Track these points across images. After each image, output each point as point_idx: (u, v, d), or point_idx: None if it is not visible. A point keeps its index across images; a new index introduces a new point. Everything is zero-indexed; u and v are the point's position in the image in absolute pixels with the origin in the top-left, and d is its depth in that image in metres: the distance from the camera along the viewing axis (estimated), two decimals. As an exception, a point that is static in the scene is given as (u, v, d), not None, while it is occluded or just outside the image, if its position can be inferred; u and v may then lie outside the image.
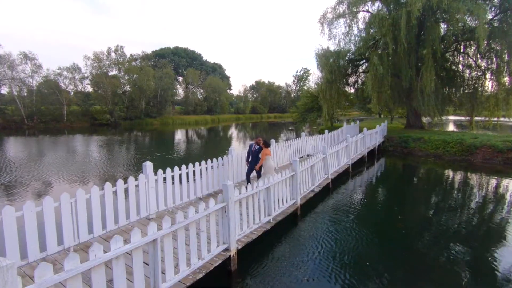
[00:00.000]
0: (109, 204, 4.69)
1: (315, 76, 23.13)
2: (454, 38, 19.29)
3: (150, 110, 45.20)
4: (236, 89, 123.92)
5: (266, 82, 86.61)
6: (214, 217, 4.27)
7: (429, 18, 18.29)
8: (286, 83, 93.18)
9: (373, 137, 16.10)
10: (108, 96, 40.58)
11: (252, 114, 73.69)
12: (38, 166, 13.57)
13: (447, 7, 15.91)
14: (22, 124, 35.69)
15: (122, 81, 43.07)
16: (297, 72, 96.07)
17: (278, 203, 6.20)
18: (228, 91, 73.93)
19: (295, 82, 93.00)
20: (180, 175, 6.17)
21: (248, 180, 7.65)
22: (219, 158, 7.42)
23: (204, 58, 75.27)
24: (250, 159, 7.63)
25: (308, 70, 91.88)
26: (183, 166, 6.26)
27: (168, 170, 5.84)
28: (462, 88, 20.67)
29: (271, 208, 5.82)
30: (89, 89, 42.46)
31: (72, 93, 40.83)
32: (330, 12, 22.45)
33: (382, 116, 48.79)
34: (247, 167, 7.83)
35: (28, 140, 25.89)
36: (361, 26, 21.41)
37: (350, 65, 22.72)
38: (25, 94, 36.15)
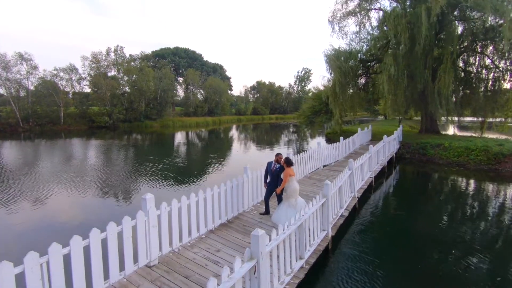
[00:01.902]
0: (96, 258, 3.50)
1: (325, 79, 21.86)
2: (471, 37, 18.17)
3: (149, 112, 43.95)
4: (237, 90, 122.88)
5: (267, 82, 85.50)
6: (240, 284, 3.08)
7: (447, 16, 17.15)
8: (289, 84, 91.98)
9: (392, 144, 14.93)
10: (106, 97, 39.36)
11: (253, 116, 72.50)
12: (30, 179, 12.37)
13: (473, 3, 14.75)
14: (17, 127, 34.45)
15: (121, 82, 41.80)
16: (298, 72, 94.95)
17: (310, 239, 5.03)
18: (229, 91, 72.71)
19: (296, 83, 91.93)
20: (189, 205, 4.99)
21: (267, 205, 6.48)
22: (233, 179, 6.24)
23: (205, 59, 74.11)
24: (269, 180, 6.45)
25: (310, 71, 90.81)
26: (192, 195, 5.08)
27: (174, 202, 4.66)
28: (479, 90, 19.53)
29: (303, 248, 4.64)
30: (87, 90, 41.22)
31: (71, 95, 39.56)
32: (340, 10, 21.31)
33: (387, 118, 47.85)
34: (265, 189, 6.65)
35: (23, 145, 24.69)
36: (374, 24, 20.27)
37: (361, 65, 21.55)
38: (21, 95, 34.89)
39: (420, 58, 17.24)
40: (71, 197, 9.81)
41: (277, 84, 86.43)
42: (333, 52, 20.39)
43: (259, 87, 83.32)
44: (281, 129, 45.57)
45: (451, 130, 26.28)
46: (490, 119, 20.90)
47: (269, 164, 6.45)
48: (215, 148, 24.06)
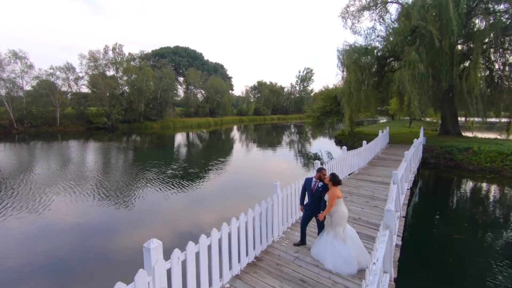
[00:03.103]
0: None
1: (338, 76, 20.42)
2: (493, 33, 16.80)
3: (149, 113, 42.48)
4: (238, 90, 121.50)
5: (268, 82, 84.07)
6: None
7: (474, 9, 15.80)
8: (291, 84, 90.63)
9: (419, 148, 13.51)
10: (105, 97, 37.90)
11: (255, 116, 71.16)
12: (24, 189, 10.94)
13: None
14: (11, 128, 32.97)
15: (120, 81, 40.32)
16: (300, 72, 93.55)
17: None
18: (230, 91, 71.29)
19: (298, 83, 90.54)
20: (210, 245, 3.56)
21: (304, 233, 5.05)
22: (262, 203, 4.83)
23: (206, 58, 72.70)
24: (307, 201, 5.01)
25: (311, 70, 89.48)
26: (213, 231, 3.64)
27: (190, 246, 3.22)
28: (505, 89, 18.14)
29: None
30: (85, 90, 39.76)
31: (69, 95, 38.07)
32: (353, 4, 19.93)
33: (394, 118, 46.40)
34: (300, 212, 5.22)
35: (17, 148, 23.22)
36: (394, 16, 18.86)
37: (376, 63, 20.15)
38: (15, 95, 33.39)
39: (446, 54, 15.88)
40: (70, 215, 8.39)
41: (278, 84, 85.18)
42: (347, 47, 19.00)
43: (260, 87, 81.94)
44: (286, 131, 44.16)
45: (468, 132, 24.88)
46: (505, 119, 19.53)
47: (308, 181, 5.02)
48: (220, 151, 22.64)
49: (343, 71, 20.16)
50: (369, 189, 9.06)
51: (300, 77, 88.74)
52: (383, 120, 54.25)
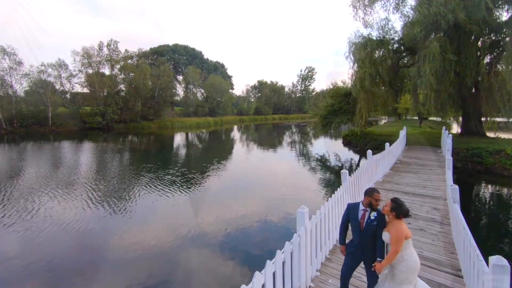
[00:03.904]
0: None
1: (349, 71, 18.65)
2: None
3: (146, 112, 40.77)
4: (238, 89, 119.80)
5: (269, 82, 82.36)
6: None
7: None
8: (292, 83, 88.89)
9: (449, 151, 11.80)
10: (99, 96, 36.24)
11: (256, 116, 69.48)
12: (12, 199, 9.26)
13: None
14: (-1, 128, 31.30)
15: (115, 79, 38.62)
16: (301, 71, 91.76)
17: None
18: (230, 91, 69.60)
19: (299, 82, 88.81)
20: None
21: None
22: (286, 244, 3.13)
23: (205, 57, 70.96)
24: (354, 242, 3.25)
25: (313, 69, 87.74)
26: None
27: None
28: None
29: None
30: (78, 88, 38.06)
31: (63, 94, 36.37)
32: (365, -7, 18.24)
33: (402, 118, 44.63)
34: (342, 256, 3.51)
35: (6, 149, 21.59)
36: (412, 4, 17.19)
37: (390, 57, 18.44)
38: (3, 93, 31.70)
39: (472, 46, 14.21)
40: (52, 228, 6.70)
41: (279, 84, 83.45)
42: (360, 39, 17.30)
43: (261, 86, 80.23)
44: (288, 131, 42.47)
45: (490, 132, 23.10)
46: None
47: (352, 209, 3.30)
48: (220, 154, 20.96)
49: (354, 65, 18.47)
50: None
51: (301, 76, 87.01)
52: (389, 119, 52.44)
